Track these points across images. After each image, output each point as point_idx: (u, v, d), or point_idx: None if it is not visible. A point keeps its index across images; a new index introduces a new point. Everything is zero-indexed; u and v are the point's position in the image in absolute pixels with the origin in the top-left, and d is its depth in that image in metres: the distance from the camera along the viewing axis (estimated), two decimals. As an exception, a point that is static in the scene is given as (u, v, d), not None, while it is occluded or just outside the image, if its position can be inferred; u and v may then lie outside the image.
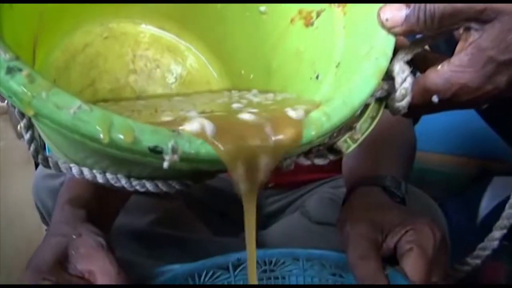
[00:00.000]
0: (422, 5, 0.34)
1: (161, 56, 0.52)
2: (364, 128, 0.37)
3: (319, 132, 0.32)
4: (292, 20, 0.46)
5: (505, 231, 0.46)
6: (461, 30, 0.36)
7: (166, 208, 0.73)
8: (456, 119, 1.15)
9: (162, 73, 0.51)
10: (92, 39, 0.49)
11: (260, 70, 0.49)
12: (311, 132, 0.32)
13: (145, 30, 0.52)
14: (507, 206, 0.45)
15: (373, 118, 0.38)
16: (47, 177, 0.70)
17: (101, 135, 0.28)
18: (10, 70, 0.28)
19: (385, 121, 0.59)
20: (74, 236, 0.45)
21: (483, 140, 1.15)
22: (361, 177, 0.56)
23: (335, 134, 0.36)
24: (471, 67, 0.35)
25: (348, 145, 0.36)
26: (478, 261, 0.47)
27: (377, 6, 0.37)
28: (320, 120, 0.32)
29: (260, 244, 0.66)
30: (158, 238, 0.70)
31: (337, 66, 0.41)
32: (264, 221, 0.77)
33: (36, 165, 0.98)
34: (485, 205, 1.03)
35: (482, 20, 0.33)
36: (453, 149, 1.23)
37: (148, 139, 0.29)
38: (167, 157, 0.29)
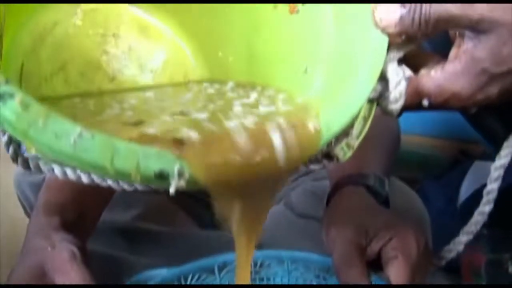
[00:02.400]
0: (418, 7, 0.34)
1: (135, 36, 0.50)
2: (358, 131, 0.37)
3: (322, 141, 0.32)
4: (275, 6, 0.44)
5: (470, 236, 0.47)
6: (456, 33, 0.36)
7: (150, 202, 0.73)
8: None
9: (136, 55, 0.49)
10: (61, 18, 0.46)
11: (240, 54, 0.48)
12: None
13: (118, 7, 0.49)
14: (476, 213, 0.46)
15: (365, 119, 0.38)
16: (28, 172, 0.70)
17: (105, 165, 0.27)
18: (1, 97, 0.26)
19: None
20: (48, 248, 0.45)
21: (462, 123, 1.16)
22: (345, 175, 0.57)
23: (332, 142, 0.36)
24: (464, 76, 0.34)
25: (344, 152, 0.36)
26: (460, 247, 0.48)
27: None
28: (321, 131, 0.32)
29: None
30: (141, 234, 0.70)
31: (327, 60, 0.40)
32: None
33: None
34: (465, 190, 1.05)
35: (478, 30, 0.33)
36: (432, 131, 1.24)
37: (153, 165, 0.27)
38: (173, 182, 0.28)
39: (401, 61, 0.37)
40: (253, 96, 0.41)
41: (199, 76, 0.51)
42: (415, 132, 1.25)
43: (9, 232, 0.91)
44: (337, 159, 0.36)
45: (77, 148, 0.26)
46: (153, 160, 0.27)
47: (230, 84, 0.45)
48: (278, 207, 0.75)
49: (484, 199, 0.46)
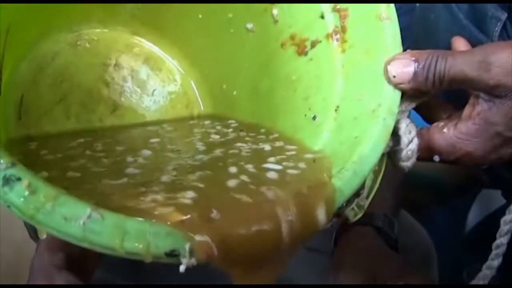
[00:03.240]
0: (433, 64, 0.33)
1: (137, 66, 0.49)
2: (368, 186, 0.36)
3: (334, 209, 0.32)
4: (283, 45, 0.43)
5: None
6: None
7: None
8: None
9: (138, 85, 0.49)
10: (61, 48, 0.45)
11: (244, 89, 0.47)
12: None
13: (119, 36, 0.49)
14: (484, 266, 0.45)
15: (376, 174, 0.37)
16: None
17: (115, 246, 0.26)
18: (7, 181, 0.25)
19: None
20: None
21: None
22: None
23: (343, 204, 0.35)
24: (477, 138, 0.34)
25: (355, 212, 0.36)
26: None
27: (378, 50, 0.36)
28: (335, 197, 0.32)
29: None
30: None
31: (336, 110, 0.39)
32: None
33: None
34: (472, 218, 1.04)
35: (493, 95, 0.32)
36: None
37: (164, 244, 0.27)
38: (184, 261, 0.27)
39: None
40: (261, 145, 0.39)
41: (203, 110, 0.49)
42: (423, 155, 1.24)
43: (13, 255, 0.90)
44: (347, 220, 0.35)
45: (86, 230, 0.26)
46: (163, 240, 0.27)
47: (234, 124, 0.44)
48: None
49: (493, 253, 0.45)
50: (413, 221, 0.75)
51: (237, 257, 0.29)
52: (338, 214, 0.35)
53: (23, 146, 0.40)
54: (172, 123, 0.48)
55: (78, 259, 0.51)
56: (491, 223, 0.45)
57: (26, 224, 0.74)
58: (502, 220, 0.45)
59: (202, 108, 0.51)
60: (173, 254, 0.27)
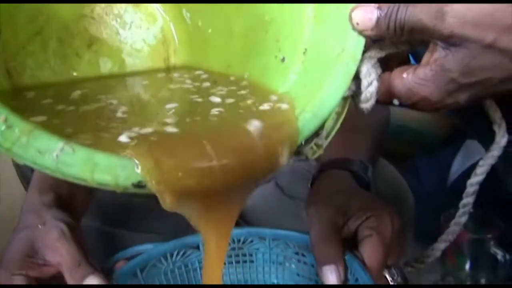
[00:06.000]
0: (394, 12, 0.34)
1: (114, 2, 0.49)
2: (329, 127, 0.38)
3: (295, 146, 0.34)
4: None
5: (447, 243, 0.50)
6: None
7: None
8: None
9: (115, 20, 0.49)
10: None
11: (219, 28, 0.48)
12: None
13: None
14: (452, 223, 0.48)
15: (338, 115, 0.39)
16: None
17: (86, 178, 0.28)
18: None
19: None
20: (39, 226, 0.47)
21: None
22: (331, 159, 0.59)
23: (302, 143, 0.37)
24: (433, 83, 0.35)
25: (313, 151, 0.37)
26: (438, 253, 0.51)
27: None
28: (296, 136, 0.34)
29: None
30: (136, 210, 0.72)
31: (304, 53, 0.40)
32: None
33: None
34: (456, 168, 1.06)
35: (449, 43, 0.33)
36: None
37: (131, 176, 0.29)
38: (152, 190, 0.29)
39: (381, 62, 0.38)
40: (231, 90, 0.42)
41: (179, 55, 0.51)
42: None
43: (10, 209, 0.93)
44: (306, 158, 0.37)
45: (59, 163, 0.28)
46: (131, 172, 0.29)
47: (204, 76, 0.46)
48: (269, 187, 0.77)
49: (460, 211, 0.48)
50: (394, 172, 0.77)
51: (200, 189, 0.31)
52: (298, 152, 0.37)
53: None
54: (147, 76, 0.49)
55: (67, 200, 0.53)
56: (472, 173, 0.48)
57: (21, 179, 0.77)
58: (468, 182, 0.47)
59: (177, 46, 0.51)
60: (140, 185, 0.29)
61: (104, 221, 0.73)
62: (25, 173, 0.75)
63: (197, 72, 0.48)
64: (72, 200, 0.55)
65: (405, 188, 0.74)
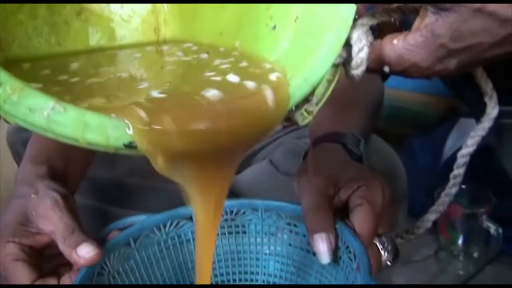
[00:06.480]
0: None
1: None
2: (320, 94, 0.38)
3: (284, 112, 0.34)
4: None
5: (438, 215, 0.51)
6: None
7: (137, 159, 0.75)
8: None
9: None
10: None
11: None
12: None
13: None
14: (443, 194, 0.49)
15: (329, 82, 0.38)
16: (20, 130, 0.72)
17: (77, 137, 0.28)
18: None
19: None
20: (32, 195, 0.47)
21: (452, 80, 1.17)
22: (324, 133, 0.59)
23: (293, 109, 0.37)
24: (423, 49, 0.35)
25: (303, 117, 0.37)
26: (429, 224, 0.51)
27: None
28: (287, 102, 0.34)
29: (232, 190, 0.70)
30: (128, 188, 0.73)
31: (295, 21, 0.40)
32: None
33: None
34: (450, 146, 1.07)
35: (439, 7, 0.34)
36: (422, 87, 1.26)
37: (123, 136, 0.29)
38: (143, 151, 0.29)
39: (373, 30, 0.38)
40: (223, 60, 0.41)
41: (170, 29, 0.51)
42: (406, 88, 1.27)
43: (7, 188, 0.93)
44: (297, 123, 0.37)
45: (50, 121, 0.28)
46: (122, 132, 0.29)
47: (194, 48, 0.46)
48: (263, 165, 0.77)
49: (451, 182, 0.48)
50: (387, 147, 0.77)
51: (191, 151, 0.31)
52: (288, 118, 0.37)
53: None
54: (138, 49, 0.49)
55: (60, 173, 0.54)
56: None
57: (15, 158, 0.77)
58: (459, 153, 0.48)
59: (167, 14, 0.51)
60: (131, 146, 0.29)
61: (99, 199, 0.73)
62: (20, 152, 0.75)
63: (187, 45, 0.48)
64: (65, 174, 0.55)
65: (398, 163, 0.74)
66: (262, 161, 0.78)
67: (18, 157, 0.76)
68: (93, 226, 0.72)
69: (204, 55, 0.45)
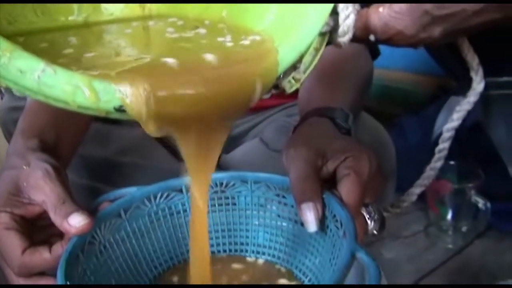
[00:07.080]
0: None
1: None
2: (307, 62, 0.39)
3: (272, 78, 0.35)
4: None
5: (423, 188, 0.52)
6: None
7: (129, 137, 0.75)
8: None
9: None
10: None
11: None
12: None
13: None
14: (428, 168, 0.50)
15: (316, 50, 0.39)
16: (12, 110, 0.72)
17: (68, 100, 0.28)
18: None
19: (340, 54, 0.61)
20: (24, 167, 0.48)
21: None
22: (313, 108, 0.59)
23: (281, 76, 0.38)
24: (408, 16, 0.36)
25: (291, 84, 0.38)
26: (414, 197, 0.52)
27: None
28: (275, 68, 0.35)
29: (222, 168, 0.71)
30: (120, 167, 0.73)
31: None
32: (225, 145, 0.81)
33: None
34: (440, 124, 1.08)
35: None
36: (413, 66, 1.26)
37: (113, 100, 0.29)
38: (132, 114, 0.30)
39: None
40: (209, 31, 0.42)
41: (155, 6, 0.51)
42: (397, 67, 1.27)
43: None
44: (284, 91, 0.38)
45: (40, 84, 0.28)
46: (112, 96, 0.29)
47: (180, 22, 0.47)
48: (254, 143, 0.78)
49: (436, 156, 0.49)
50: (376, 123, 0.78)
51: (179, 116, 0.32)
52: (276, 86, 0.38)
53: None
54: (126, 25, 0.49)
55: (52, 147, 0.54)
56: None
57: (7, 138, 0.77)
58: (444, 127, 0.49)
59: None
60: (122, 110, 0.30)
61: (91, 177, 0.74)
62: (12, 132, 0.75)
63: (172, 19, 0.49)
64: (56, 148, 0.56)
65: (387, 140, 0.75)
66: (252, 140, 0.79)
67: (10, 136, 0.76)
68: (85, 204, 0.73)
69: (196, 29, 0.45)
